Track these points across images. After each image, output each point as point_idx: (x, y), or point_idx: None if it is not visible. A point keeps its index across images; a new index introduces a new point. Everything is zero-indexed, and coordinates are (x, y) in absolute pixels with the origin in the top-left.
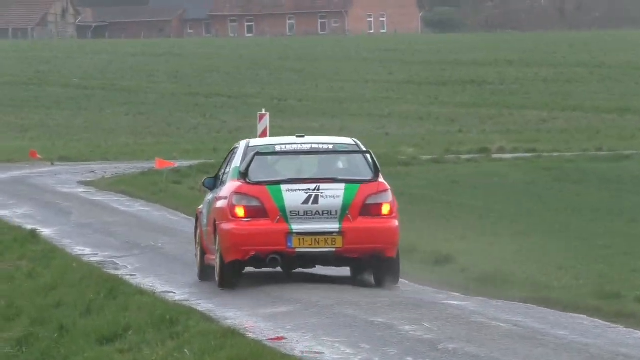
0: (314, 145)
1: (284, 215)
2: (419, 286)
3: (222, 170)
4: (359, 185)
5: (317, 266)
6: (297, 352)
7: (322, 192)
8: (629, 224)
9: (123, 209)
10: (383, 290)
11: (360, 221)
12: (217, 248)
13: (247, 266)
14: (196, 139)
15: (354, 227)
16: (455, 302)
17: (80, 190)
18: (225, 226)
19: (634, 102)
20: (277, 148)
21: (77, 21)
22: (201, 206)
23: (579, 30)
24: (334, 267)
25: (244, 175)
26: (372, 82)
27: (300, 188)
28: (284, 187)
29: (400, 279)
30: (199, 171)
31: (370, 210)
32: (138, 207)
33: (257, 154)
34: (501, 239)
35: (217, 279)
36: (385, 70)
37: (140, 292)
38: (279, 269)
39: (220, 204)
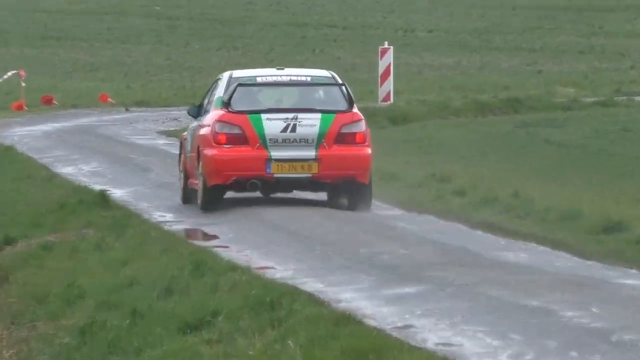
0: (292, 78)
1: (264, 142)
2: (584, 260)
3: (206, 100)
4: (334, 115)
5: (294, 191)
6: (429, 344)
7: (299, 121)
8: None
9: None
10: (536, 266)
11: (335, 149)
12: (200, 173)
13: (228, 190)
14: None
15: (329, 154)
16: (631, 281)
17: (160, 141)
18: (208, 152)
19: None
20: (259, 80)
21: None
22: (185, 133)
23: None
24: (310, 192)
25: (226, 104)
26: (520, 9)
27: (279, 117)
28: (264, 116)
29: (560, 252)
30: None
31: (345, 138)
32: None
33: (240, 84)
34: None
35: (199, 201)
36: None
37: (233, 268)
38: (258, 193)
39: (203, 131)
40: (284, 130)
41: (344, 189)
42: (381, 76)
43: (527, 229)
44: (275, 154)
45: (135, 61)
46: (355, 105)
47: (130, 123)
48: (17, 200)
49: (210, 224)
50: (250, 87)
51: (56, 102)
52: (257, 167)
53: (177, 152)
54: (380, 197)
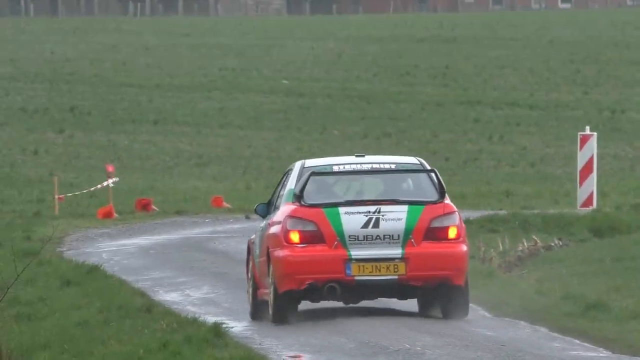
0: (374, 165)
1: (342, 240)
2: None
3: (276, 195)
4: (423, 206)
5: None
6: None
7: (383, 215)
8: None
9: None
10: None
11: (424, 246)
12: (270, 278)
13: (303, 297)
14: (477, 176)
15: (418, 252)
16: None
17: None
18: (279, 253)
19: None
20: (335, 168)
21: None
22: (253, 236)
23: None
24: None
25: (298, 197)
26: None
27: (359, 211)
28: (342, 209)
29: None
30: (482, 228)
31: (436, 234)
32: None
33: (313, 174)
34: None
35: (270, 312)
36: None
37: None
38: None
39: (273, 229)
40: (366, 225)
41: (437, 294)
42: (581, 172)
43: None
44: (356, 253)
45: (257, 152)
46: (446, 195)
47: (252, 236)
48: (107, 337)
49: None
50: (325, 177)
51: (155, 208)
52: (336, 268)
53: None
54: (576, 332)
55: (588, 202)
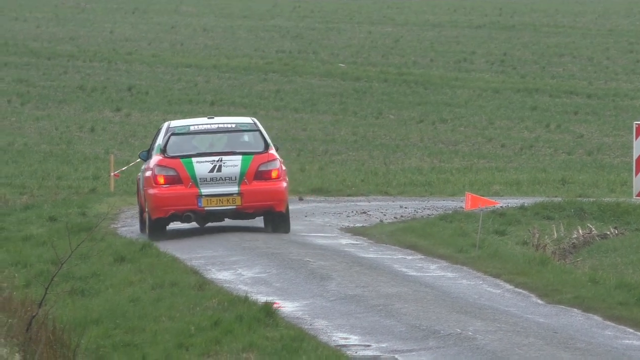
0: (220, 125)
1: (195, 181)
2: None
3: (151, 146)
4: (252, 156)
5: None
6: None
7: (224, 163)
8: None
9: (412, 273)
10: None
11: (254, 184)
12: (146, 208)
13: (168, 223)
14: (531, 163)
15: (249, 189)
16: None
17: (344, 241)
18: (150, 191)
19: None
20: (192, 128)
21: None
22: (139, 174)
23: None
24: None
25: (163, 151)
26: None
27: (207, 160)
28: (194, 159)
29: None
30: (537, 215)
31: (262, 175)
32: (436, 272)
33: (172, 134)
34: None
35: (147, 232)
36: None
37: None
38: (194, 224)
39: (147, 173)
40: (212, 170)
41: (264, 217)
42: (637, 161)
43: None
44: (205, 190)
45: (312, 136)
46: (271, 146)
47: (305, 216)
48: (159, 314)
49: (406, 350)
50: (183, 136)
51: None
52: (190, 202)
53: (363, 255)
54: (629, 321)
55: None
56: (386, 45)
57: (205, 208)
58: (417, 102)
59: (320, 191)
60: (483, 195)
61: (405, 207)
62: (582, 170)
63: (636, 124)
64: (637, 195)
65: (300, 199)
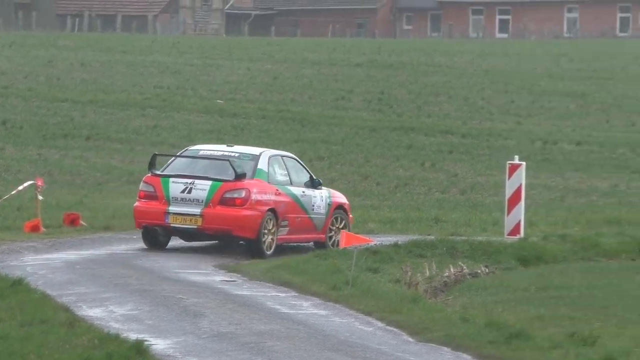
0: (225, 153)
1: (168, 199)
2: None
3: None
4: (221, 183)
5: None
6: None
7: (195, 186)
8: None
9: (285, 310)
10: None
11: (217, 209)
12: None
13: (145, 234)
14: (406, 201)
15: (211, 212)
16: None
17: (218, 278)
18: (135, 204)
19: None
20: (200, 153)
21: (226, 7)
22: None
23: None
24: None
25: (149, 169)
26: None
27: (182, 181)
28: (171, 179)
29: None
30: (410, 253)
31: (226, 201)
32: (308, 309)
33: (154, 155)
34: None
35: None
36: None
37: None
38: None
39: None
40: (183, 191)
41: (223, 239)
42: (509, 201)
43: None
44: (173, 209)
45: None
46: (245, 177)
47: (180, 253)
48: (28, 352)
49: None
50: (167, 157)
51: (83, 223)
52: (159, 217)
53: (236, 292)
54: None
55: (515, 231)
56: (265, 82)
57: (171, 225)
58: (294, 139)
59: None
60: (358, 233)
61: (282, 244)
62: (455, 209)
63: (509, 164)
64: (508, 235)
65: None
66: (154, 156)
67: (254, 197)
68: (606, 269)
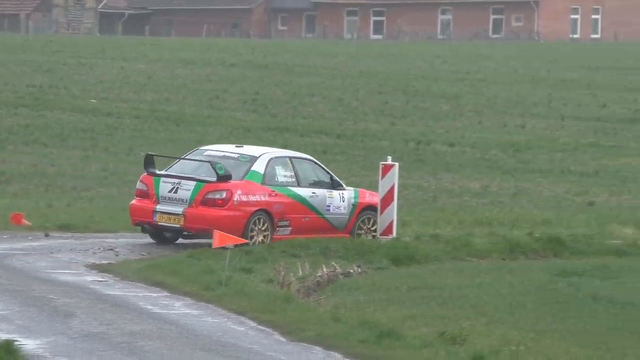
0: (227, 154)
1: (157, 198)
2: None
3: None
4: (204, 183)
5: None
6: None
7: (181, 186)
8: None
9: (157, 310)
10: None
11: (199, 209)
12: None
13: (145, 230)
14: None
15: (192, 212)
16: None
17: (89, 278)
18: (131, 202)
19: None
20: (204, 153)
21: (100, 5)
22: None
23: None
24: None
25: (145, 168)
26: (571, 119)
27: (170, 181)
28: (162, 179)
29: None
30: (284, 253)
31: (208, 202)
32: (181, 309)
33: (147, 154)
34: None
35: None
36: (595, 100)
37: None
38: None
39: None
40: (170, 191)
41: (206, 237)
42: (382, 201)
43: None
44: (160, 207)
45: (61, 171)
46: (231, 179)
47: (51, 253)
48: None
49: None
50: (159, 157)
51: None
52: (148, 215)
53: (108, 292)
54: (369, 359)
55: (388, 230)
56: (139, 82)
57: (158, 223)
58: (168, 138)
59: (67, 227)
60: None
61: (154, 244)
62: None
63: (383, 164)
64: (381, 235)
65: (47, 235)
66: (148, 156)
67: (236, 198)
68: (477, 268)
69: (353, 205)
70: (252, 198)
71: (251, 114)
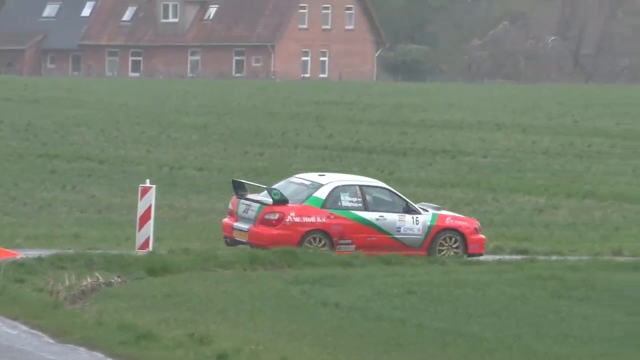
0: (304, 181)
1: (238, 216)
2: None
3: None
4: (264, 206)
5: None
6: None
7: (250, 207)
8: None
9: None
10: None
11: (259, 228)
12: None
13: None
14: (51, 221)
15: (253, 230)
16: None
17: None
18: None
19: None
20: (290, 180)
21: None
22: None
23: (599, 84)
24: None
25: (234, 192)
26: (303, 148)
27: (246, 203)
28: (241, 201)
29: None
30: (52, 265)
31: (265, 222)
32: None
33: (233, 180)
34: None
35: None
36: (322, 131)
37: None
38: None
39: None
40: (244, 212)
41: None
42: (140, 219)
43: None
44: (237, 225)
45: None
46: (285, 202)
47: None
48: None
49: None
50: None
51: None
52: (229, 231)
53: None
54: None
55: (145, 245)
56: None
57: (235, 237)
58: None
59: None
60: (7, 248)
61: None
62: (93, 227)
63: (142, 186)
64: (139, 249)
65: None
66: (235, 181)
67: (289, 219)
68: (222, 278)
69: (429, 227)
70: (306, 219)
71: (23, 142)
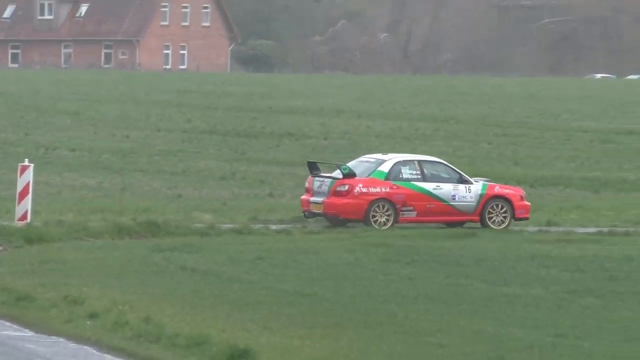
0: (369, 158)
1: (313, 192)
2: None
3: None
4: (335, 180)
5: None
6: None
7: (323, 182)
8: (470, 317)
9: None
10: None
11: (331, 199)
12: None
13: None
14: None
15: (328, 201)
16: None
17: None
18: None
19: (485, 166)
20: (359, 158)
21: None
22: None
23: (425, 75)
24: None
25: (310, 171)
26: (164, 131)
27: (319, 180)
28: (315, 178)
29: None
30: None
31: (336, 193)
32: None
33: (308, 161)
34: (313, 332)
35: None
36: (182, 116)
37: None
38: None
39: None
40: (318, 187)
41: (337, 221)
42: (19, 194)
43: (157, 354)
44: (313, 199)
45: None
46: (354, 175)
47: None
48: None
49: None
50: (317, 163)
51: None
52: (307, 205)
53: None
54: (8, 317)
55: (23, 217)
56: None
57: (312, 210)
58: None
59: None
60: None
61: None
62: None
63: (21, 165)
64: (18, 220)
65: None
66: (309, 163)
67: (357, 190)
68: (93, 246)
69: (480, 195)
70: (372, 190)
71: None
